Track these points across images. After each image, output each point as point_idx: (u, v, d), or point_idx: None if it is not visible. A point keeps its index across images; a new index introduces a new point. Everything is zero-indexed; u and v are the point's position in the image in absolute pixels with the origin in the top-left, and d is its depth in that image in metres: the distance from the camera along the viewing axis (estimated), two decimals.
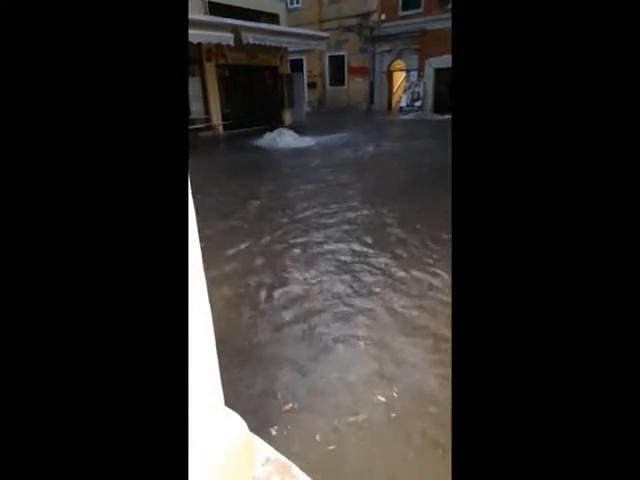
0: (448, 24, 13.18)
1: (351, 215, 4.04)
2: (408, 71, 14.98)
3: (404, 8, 14.40)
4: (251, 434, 1.28)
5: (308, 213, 4.16)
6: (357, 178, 5.67)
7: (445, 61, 13.74)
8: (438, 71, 14.17)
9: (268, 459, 1.31)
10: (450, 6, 13.13)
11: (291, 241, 3.44)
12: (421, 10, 13.98)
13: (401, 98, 15.32)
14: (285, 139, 9.01)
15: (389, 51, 15.16)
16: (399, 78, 15.89)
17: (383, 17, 14.87)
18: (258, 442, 1.37)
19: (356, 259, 3.04)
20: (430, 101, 14.64)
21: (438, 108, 14.31)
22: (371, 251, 3.18)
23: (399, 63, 15.36)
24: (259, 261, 3.07)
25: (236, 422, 1.19)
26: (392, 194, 4.76)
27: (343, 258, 3.07)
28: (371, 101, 16.27)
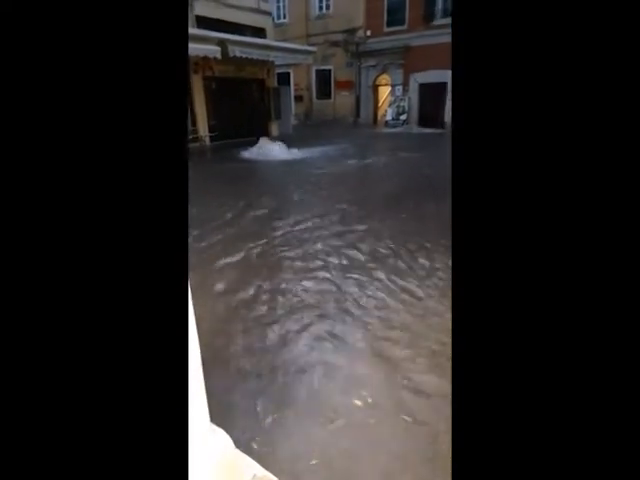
0: (432, 40, 13.56)
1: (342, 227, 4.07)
2: (393, 85, 15.29)
3: (389, 25, 14.76)
4: (237, 451, 1.25)
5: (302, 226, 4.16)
6: (346, 189, 5.71)
7: (429, 76, 14.09)
8: (422, 86, 14.51)
9: (255, 475, 1.29)
10: (434, 23, 13.53)
11: (284, 254, 3.43)
12: (405, 27, 14.34)
13: (387, 112, 15.59)
14: (272, 151, 9.04)
15: (375, 66, 15.47)
16: (384, 92, 16.19)
17: (369, 33, 15.21)
18: (244, 459, 1.34)
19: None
20: (415, 115, 14.94)
21: (422, 122, 14.61)
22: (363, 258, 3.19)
23: (384, 78, 15.68)
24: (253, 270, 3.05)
25: (222, 439, 1.16)
26: (384, 203, 4.81)
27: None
28: (357, 114, 16.52)
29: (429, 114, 14.70)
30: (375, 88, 16.09)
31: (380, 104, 16.47)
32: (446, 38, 13.25)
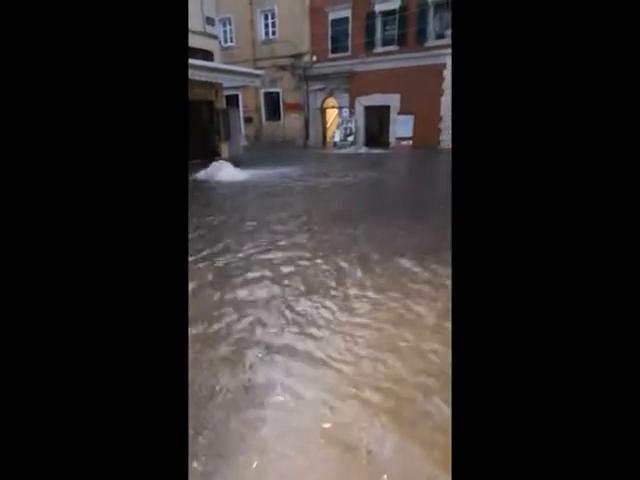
0: (374, 67, 14.34)
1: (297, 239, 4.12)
2: (340, 108, 15.88)
3: (333, 51, 15.43)
4: None
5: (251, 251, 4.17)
6: (301, 210, 5.80)
7: (373, 99, 14.83)
8: (367, 108, 15.21)
9: None
10: (375, 51, 14.34)
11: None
12: (349, 54, 15.07)
13: (335, 133, 16.12)
14: (223, 172, 8.99)
15: (322, 89, 16.02)
16: (332, 114, 16.75)
17: (314, 58, 15.79)
18: None
19: None
20: (362, 136, 15.58)
21: (369, 143, 15.27)
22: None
23: (331, 101, 16.25)
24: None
25: None
26: (344, 220, 4.94)
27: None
28: (307, 136, 16.91)
29: (375, 135, 15.45)
30: (323, 110, 16.61)
31: (328, 126, 16.98)
32: (387, 64, 14.11)
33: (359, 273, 3.18)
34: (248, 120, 17.77)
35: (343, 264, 3.39)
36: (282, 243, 4.06)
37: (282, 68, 16.50)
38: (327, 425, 1.59)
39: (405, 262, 3.38)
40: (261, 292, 2.89)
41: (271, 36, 16.85)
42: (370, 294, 2.80)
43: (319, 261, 3.47)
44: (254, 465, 1.42)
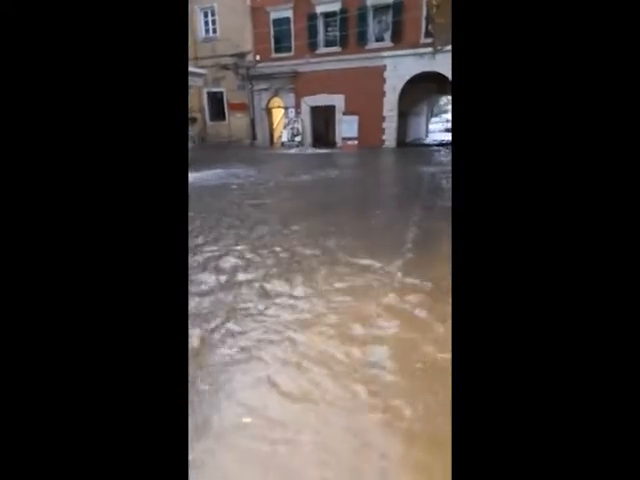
0: (318, 67, 14.49)
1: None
2: (286, 108, 15.88)
3: (276, 51, 15.38)
4: None
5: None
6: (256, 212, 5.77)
7: (319, 100, 14.99)
8: (313, 109, 15.36)
9: None
10: (318, 52, 14.48)
11: None
12: (292, 54, 15.10)
13: (282, 133, 16.12)
14: None
15: (267, 89, 15.91)
16: (278, 114, 16.71)
17: (258, 58, 15.64)
18: None
19: None
20: (309, 136, 15.71)
21: (316, 142, 15.45)
22: None
23: (277, 100, 16.20)
24: None
25: None
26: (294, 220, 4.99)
27: None
28: (254, 136, 16.74)
29: (322, 135, 15.67)
30: (269, 110, 16.52)
31: (275, 126, 16.93)
32: (330, 65, 14.31)
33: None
34: (192, 120, 17.24)
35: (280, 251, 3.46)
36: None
37: (225, 67, 16.17)
38: None
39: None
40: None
41: (212, 34, 16.45)
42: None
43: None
44: None
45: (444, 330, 2.36)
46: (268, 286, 3.09)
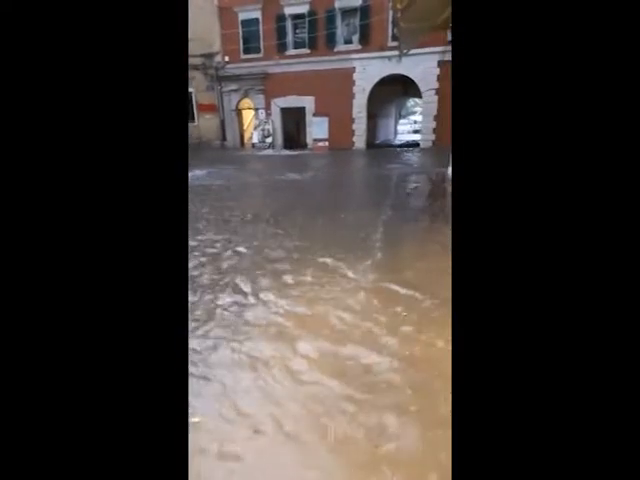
0: (287, 69, 14.51)
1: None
2: (256, 109, 15.81)
3: (245, 52, 15.30)
4: None
5: None
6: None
7: (289, 101, 15.02)
8: (283, 110, 15.38)
9: None
10: (287, 53, 14.51)
11: None
12: (261, 55, 15.06)
13: (253, 135, 16.04)
14: None
15: (236, 90, 15.79)
16: (248, 116, 16.61)
17: (227, 59, 15.51)
18: None
19: None
20: (279, 137, 15.71)
21: (287, 144, 15.47)
22: None
23: (247, 102, 16.11)
24: None
25: None
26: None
27: None
28: (224, 138, 16.57)
29: (293, 136, 15.72)
30: (239, 112, 16.40)
31: (245, 127, 16.82)
32: (300, 67, 14.38)
33: None
34: None
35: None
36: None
37: (194, 67, 15.92)
38: None
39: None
40: None
41: None
42: None
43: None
44: None
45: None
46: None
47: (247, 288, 3.06)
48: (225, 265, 3.60)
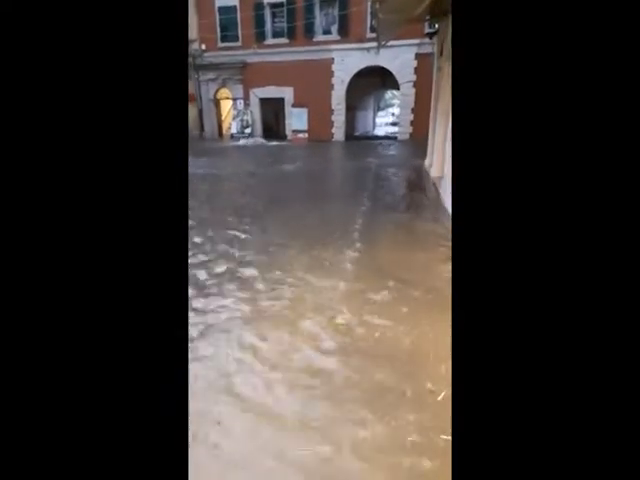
0: (267, 58, 14.34)
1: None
2: (235, 99, 15.58)
3: (222, 40, 15.00)
4: None
5: None
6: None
7: (268, 92, 14.87)
8: (263, 100, 15.22)
9: None
10: (266, 42, 14.33)
11: None
12: (240, 44, 14.81)
13: (231, 125, 15.82)
14: None
15: (214, 79, 15.50)
16: (227, 106, 16.36)
17: (203, 47, 15.18)
18: None
19: None
20: (259, 128, 15.55)
21: (266, 135, 15.34)
22: None
23: (225, 92, 15.84)
24: None
25: None
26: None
27: None
28: (202, 128, 16.28)
29: (272, 127, 15.59)
30: (217, 102, 16.12)
31: (224, 117, 16.57)
32: (279, 57, 14.23)
33: None
34: None
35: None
36: None
37: None
38: None
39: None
40: None
41: None
42: None
43: None
44: None
45: None
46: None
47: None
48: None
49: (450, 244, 3.79)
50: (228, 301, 2.80)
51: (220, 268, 3.39)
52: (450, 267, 3.20)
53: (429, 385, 1.88)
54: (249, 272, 3.27)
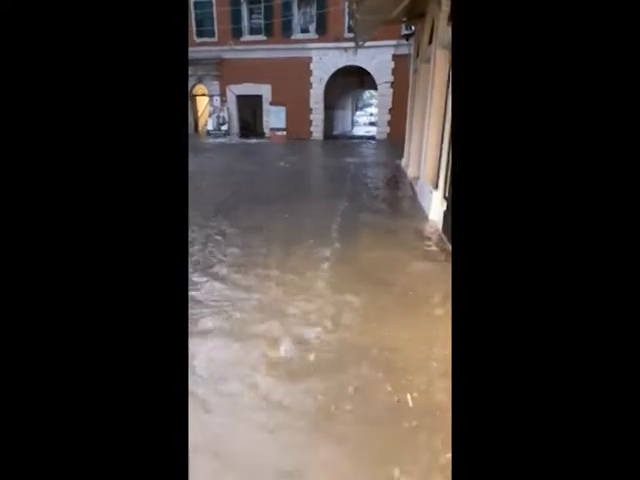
0: (244, 55, 14.19)
1: None
2: (211, 96, 15.35)
3: (198, 35, 14.74)
4: None
5: None
6: None
7: (245, 89, 14.71)
8: (239, 97, 15.04)
9: None
10: (243, 39, 14.16)
11: None
12: (216, 39, 14.59)
13: (207, 122, 15.57)
14: None
15: (190, 75, 15.19)
16: (203, 102, 16.10)
17: None
18: None
19: None
20: (235, 125, 15.37)
21: (243, 132, 15.18)
22: None
23: (201, 88, 15.59)
24: None
25: None
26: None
27: None
28: None
29: (249, 125, 15.42)
30: (193, 98, 15.84)
31: (200, 114, 16.30)
32: (256, 54, 14.10)
33: None
34: None
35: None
36: None
37: None
38: None
39: None
40: None
41: None
42: None
43: None
44: None
45: None
46: None
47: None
48: None
49: (427, 242, 3.87)
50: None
51: (199, 278, 3.33)
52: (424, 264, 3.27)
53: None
54: (224, 270, 3.24)
